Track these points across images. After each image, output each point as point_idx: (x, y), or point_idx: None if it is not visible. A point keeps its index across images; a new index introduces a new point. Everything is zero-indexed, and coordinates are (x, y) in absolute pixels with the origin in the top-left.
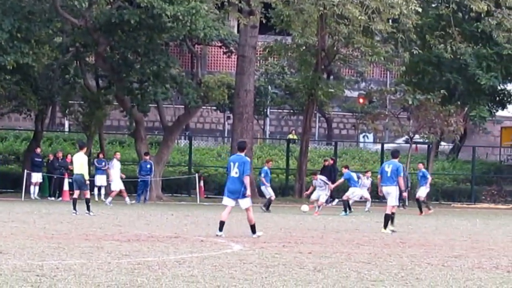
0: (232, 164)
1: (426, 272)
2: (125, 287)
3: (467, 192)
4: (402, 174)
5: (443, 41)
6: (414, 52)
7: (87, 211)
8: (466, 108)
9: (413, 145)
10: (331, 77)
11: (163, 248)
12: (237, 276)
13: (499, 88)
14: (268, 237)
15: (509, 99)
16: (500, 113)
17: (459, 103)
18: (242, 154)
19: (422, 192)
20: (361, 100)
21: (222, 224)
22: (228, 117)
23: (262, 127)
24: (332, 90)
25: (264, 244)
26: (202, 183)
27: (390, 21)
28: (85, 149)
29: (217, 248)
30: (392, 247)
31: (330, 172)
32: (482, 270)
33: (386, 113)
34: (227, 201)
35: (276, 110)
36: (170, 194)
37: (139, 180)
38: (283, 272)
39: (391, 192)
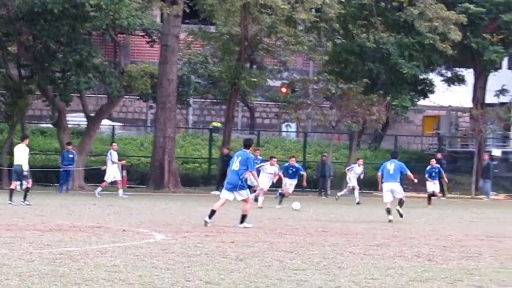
0: (235, 158)
1: (348, 261)
2: (47, 277)
3: None
4: (407, 171)
5: (366, 31)
6: (337, 42)
7: (23, 200)
8: (388, 97)
9: (335, 135)
10: (254, 66)
11: (85, 238)
12: (159, 265)
13: (421, 77)
14: (191, 227)
15: (430, 88)
16: (422, 102)
17: (381, 92)
18: (248, 150)
19: (436, 187)
20: (283, 90)
21: (213, 212)
22: (151, 107)
23: (185, 116)
24: (255, 80)
25: (186, 234)
26: (124, 173)
27: (313, 10)
28: (27, 141)
29: (140, 238)
30: (315, 236)
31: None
32: (404, 259)
33: (309, 102)
34: (225, 194)
35: (199, 100)
36: (93, 184)
37: (61, 170)
38: (205, 261)
39: (396, 188)
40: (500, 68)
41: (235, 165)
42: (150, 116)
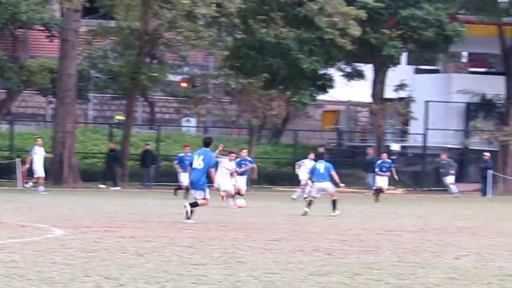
0: (196, 156)
1: (248, 255)
2: None
3: (288, 176)
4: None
5: (266, 26)
6: (237, 37)
7: None
8: (288, 92)
9: (235, 129)
10: (154, 61)
11: None
12: (59, 261)
13: (320, 72)
14: (90, 222)
15: (330, 83)
16: (321, 97)
17: (281, 87)
18: (208, 148)
19: (385, 182)
20: (184, 85)
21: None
22: (50, 101)
23: (85, 111)
24: (155, 75)
25: (86, 229)
26: (24, 168)
27: (214, 5)
28: None
29: (39, 234)
30: (214, 231)
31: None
32: (303, 253)
33: (209, 97)
34: (192, 192)
35: (99, 95)
36: None
37: None
38: (105, 257)
39: (327, 187)
40: (399, 63)
41: (197, 163)
42: (49, 111)
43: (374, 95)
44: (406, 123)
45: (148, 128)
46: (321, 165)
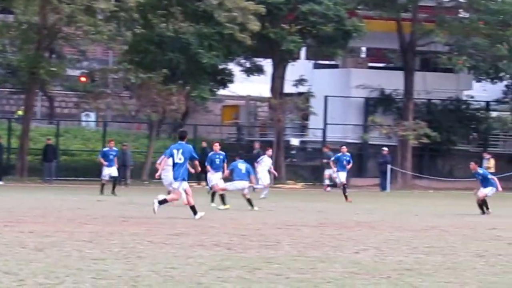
0: (176, 151)
1: (148, 250)
2: None
3: None
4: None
5: (165, 20)
6: (136, 31)
7: None
8: (187, 87)
9: (135, 124)
10: (53, 55)
11: None
12: None
13: (220, 67)
14: None
15: (230, 78)
16: (221, 92)
17: (181, 82)
18: (183, 142)
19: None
20: (83, 79)
21: (192, 208)
22: None
23: None
24: (54, 69)
25: None
26: None
27: (113, 0)
28: None
29: None
30: (114, 226)
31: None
32: (203, 248)
33: (108, 92)
34: (172, 185)
35: None
36: None
37: None
38: (4, 251)
39: (245, 186)
40: (298, 58)
41: (177, 157)
42: None
43: (273, 90)
44: (305, 118)
45: (48, 122)
46: (243, 166)
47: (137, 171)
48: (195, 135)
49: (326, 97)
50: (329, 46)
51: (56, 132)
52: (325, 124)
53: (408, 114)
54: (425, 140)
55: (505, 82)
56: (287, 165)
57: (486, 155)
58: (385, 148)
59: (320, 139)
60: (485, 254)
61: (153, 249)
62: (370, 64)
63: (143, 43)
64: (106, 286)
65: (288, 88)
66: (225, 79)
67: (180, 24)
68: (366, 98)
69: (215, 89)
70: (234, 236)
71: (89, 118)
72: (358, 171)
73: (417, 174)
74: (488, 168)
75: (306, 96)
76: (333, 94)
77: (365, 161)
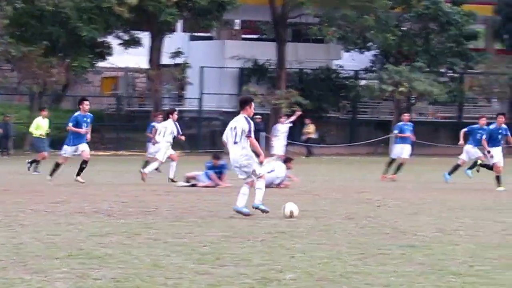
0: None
1: (30, 218)
2: None
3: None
4: None
5: None
6: (17, 6)
7: None
8: (68, 60)
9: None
10: None
11: None
12: None
13: (99, 40)
14: None
15: (108, 51)
16: (100, 64)
17: (61, 54)
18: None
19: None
20: None
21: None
22: None
23: None
24: None
25: None
26: None
27: None
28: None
29: None
30: None
31: None
32: (84, 215)
33: None
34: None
35: None
36: None
37: None
38: None
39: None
40: (175, 30)
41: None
42: None
43: (151, 61)
44: (182, 88)
45: None
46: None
47: (19, 142)
48: (76, 107)
49: (202, 67)
50: (205, 19)
51: None
52: (201, 93)
53: (280, 84)
54: (297, 108)
55: (372, 52)
56: None
57: (307, 121)
58: (258, 116)
59: (196, 108)
60: (354, 217)
61: (36, 217)
62: (244, 36)
63: (24, 17)
64: None
65: (166, 59)
66: (104, 51)
67: None
68: (240, 69)
69: (94, 62)
70: (114, 203)
71: None
72: None
73: (290, 141)
74: (308, 133)
75: (182, 67)
76: (209, 65)
77: None
